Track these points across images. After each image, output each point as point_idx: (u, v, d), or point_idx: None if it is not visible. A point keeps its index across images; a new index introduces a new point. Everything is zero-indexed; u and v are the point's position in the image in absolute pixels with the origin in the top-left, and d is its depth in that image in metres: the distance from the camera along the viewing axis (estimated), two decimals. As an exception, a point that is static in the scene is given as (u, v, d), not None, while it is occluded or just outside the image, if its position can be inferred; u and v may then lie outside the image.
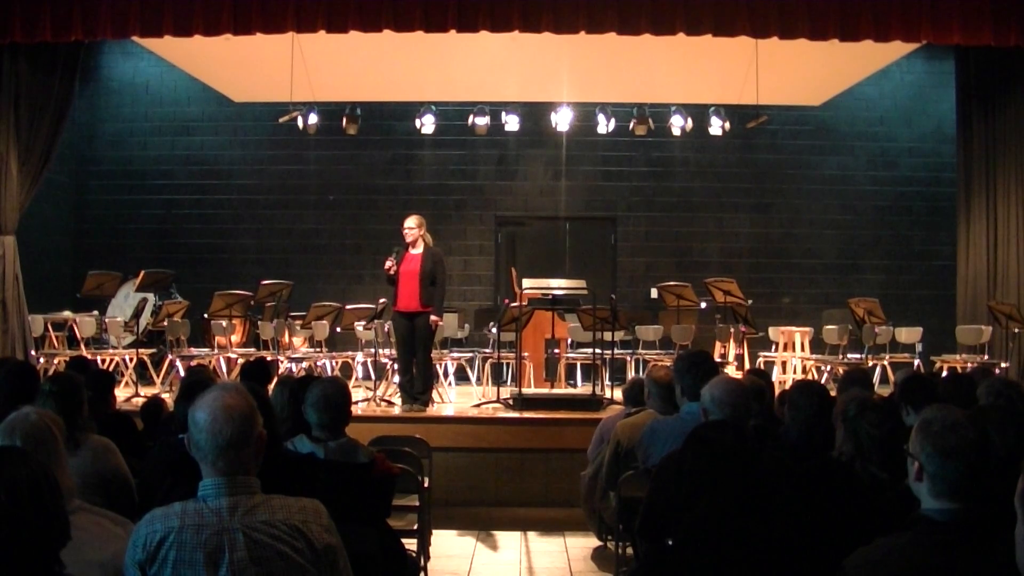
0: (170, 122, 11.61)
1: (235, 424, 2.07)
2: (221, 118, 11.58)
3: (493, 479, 6.85)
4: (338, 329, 9.44)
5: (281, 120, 9.83)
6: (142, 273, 8.70)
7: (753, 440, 2.81)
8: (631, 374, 9.15)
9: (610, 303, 8.43)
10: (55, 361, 8.48)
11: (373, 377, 8.63)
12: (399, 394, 7.84)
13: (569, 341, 9.47)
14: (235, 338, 9.73)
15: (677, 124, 10.49)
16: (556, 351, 9.42)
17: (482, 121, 10.63)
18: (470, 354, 9.78)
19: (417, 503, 4.55)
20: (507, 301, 8.96)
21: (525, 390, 8.12)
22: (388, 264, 7.42)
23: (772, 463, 2.86)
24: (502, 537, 6.14)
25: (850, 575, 1.96)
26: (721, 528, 2.43)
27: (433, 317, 7.47)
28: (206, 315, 8.95)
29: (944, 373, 8.52)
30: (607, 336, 8.25)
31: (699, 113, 10.53)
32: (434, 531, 5.44)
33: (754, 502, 2.47)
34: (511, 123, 10.56)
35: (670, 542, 2.80)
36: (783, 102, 10.81)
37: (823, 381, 8.51)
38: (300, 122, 9.97)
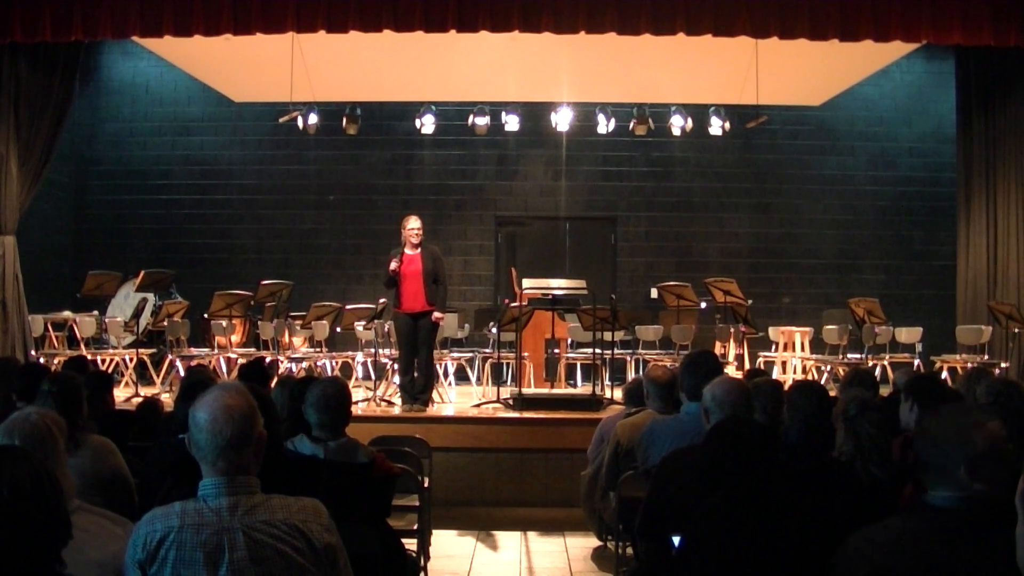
0: (170, 122, 11.61)
1: (235, 424, 2.07)
2: (221, 118, 11.58)
3: (493, 479, 6.84)
4: (338, 329, 9.44)
5: (281, 120, 9.83)
6: (142, 273, 8.70)
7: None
8: (631, 374, 9.16)
9: (610, 303, 8.43)
10: (55, 361, 8.47)
11: (373, 377, 8.63)
12: (399, 394, 7.84)
13: (569, 341, 9.47)
14: (235, 338, 9.73)
15: (677, 124, 10.49)
16: (556, 351, 9.42)
17: (482, 121, 10.63)
18: (470, 354, 9.78)
19: (417, 503, 4.55)
20: (507, 301, 8.96)
21: (525, 390, 8.12)
22: (393, 265, 7.40)
23: (774, 463, 2.86)
24: (502, 537, 6.14)
25: (851, 555, 1.99)
26: (734, 522, 2.44)
27: (437, 314, 7.48)
28: (206, 315, 8.95)
29: (944, 373, 8.53)
30: (607, 336, 8.25)
31: (699, 113, 10.53)
32: (434, 531, 5.44)
33: (769, 500, 2.48)
34: (511, 123, 10.56)
35: (676, 537, 2.80)
36: (783, 102, 10.82)
37: (823, 381, 8.52)
38: (300, 122, 9.97)
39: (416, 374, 7.51)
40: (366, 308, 9.37)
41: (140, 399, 6.80)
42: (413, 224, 7.54)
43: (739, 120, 10.44)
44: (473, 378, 9.90)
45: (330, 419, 3.44)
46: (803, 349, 10.01)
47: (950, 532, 1.93)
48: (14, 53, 8.09)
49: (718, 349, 9.77)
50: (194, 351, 9.10)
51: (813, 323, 10.25)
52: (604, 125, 10.61)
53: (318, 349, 9.77)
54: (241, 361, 7.82)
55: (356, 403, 6.83)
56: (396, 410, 7.56)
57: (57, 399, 3.28)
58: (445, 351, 9.43)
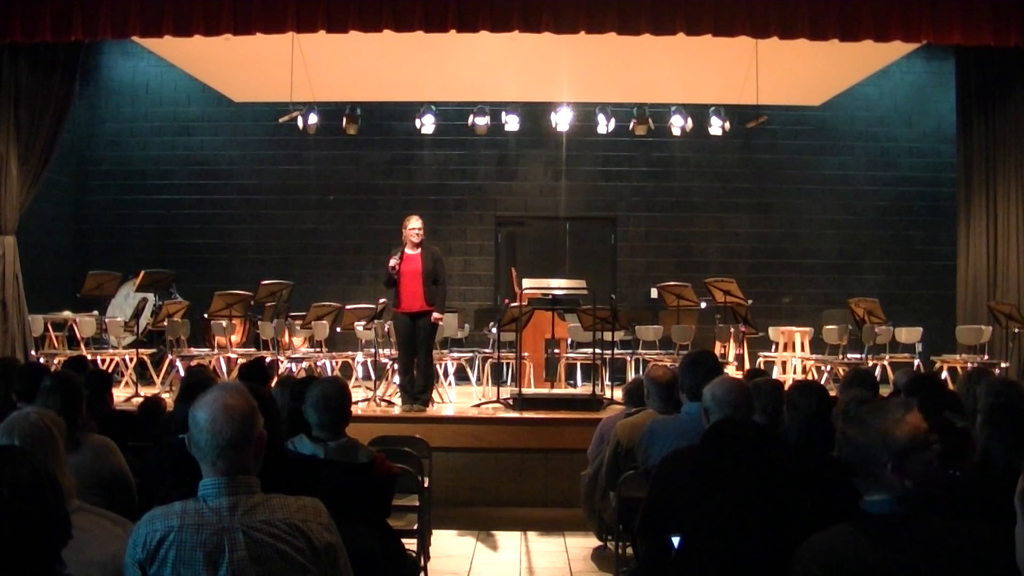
0: (170, 122, 11.61)
1: (235, 424, 2.07)
2: (221, 118, 11.58)
3: (493, 479, 6.84)
4: (338, 329, 9.44)
5: (281, 120, 9.84)
6: (142, 273, 8.70)
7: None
8: (631, 374, 9.16)
9: (610, 303, 8.43)
10: (55, 361, 8.47)
11: (373, 377, 8.63)
12: (399, 394, 7.84)
13: (569, 341, 9.47)
14: (235, 338, 9.73)
15: (677, 124, 10.49)
16: (556, 351, 9.42)
17: (482, 121, 10.63)
18: (470, 354, 9.78)
19: (417, 503, 4.55)
20: (507, 301, 8.96)
21: (525, 390, 8.12)
22: (393, 262, 7.40)
23: (772, 463, 2.86)
24: (502, 537, 6.14)
25: (799, 565, 1.95)
26: (732, 523, 2.44)
27: (436, 315, 7.48)
28: (206, 315, 8.95)
29: (944, 373, 8.53)
30: (607, 336, 8.25)
31: (699, 113, 10.53)
32: (434, 531, 5.44)
33: (767, 500, 2.48)
34: (511, 123, 10.56)
35: (675, 538, 2.81)
36: (783, 102, 10.81)
37: (823, 381, 8.52)
38: (300, 122, 9.97)
39: (416, 374, 7.52)
40: (366, 308, 9.37)
41: (140, 399, 6.80)
42: (414, 224, 7.54)
43: (739, 120, 10.44)
44: (473, 378, 9.89)
45: (330, 419, 3.44)
46: (803, 349, 10.01)
47: (888, 537, 1.85)
48: (14, 53, 8.09)
49: (718, 349, 9.77)
50: (194, 351, 9.10)
51: (813, 323, 10.25)
52: (604, 125, 10.61)
53: (318, 349, 9.77)
54: (241, 361, 7.82)
55: (356, 403, 6.83)
56: (396, 410, 7.56)
57: (57, 399, 3.27)
58: (445, 351, 9.43)
